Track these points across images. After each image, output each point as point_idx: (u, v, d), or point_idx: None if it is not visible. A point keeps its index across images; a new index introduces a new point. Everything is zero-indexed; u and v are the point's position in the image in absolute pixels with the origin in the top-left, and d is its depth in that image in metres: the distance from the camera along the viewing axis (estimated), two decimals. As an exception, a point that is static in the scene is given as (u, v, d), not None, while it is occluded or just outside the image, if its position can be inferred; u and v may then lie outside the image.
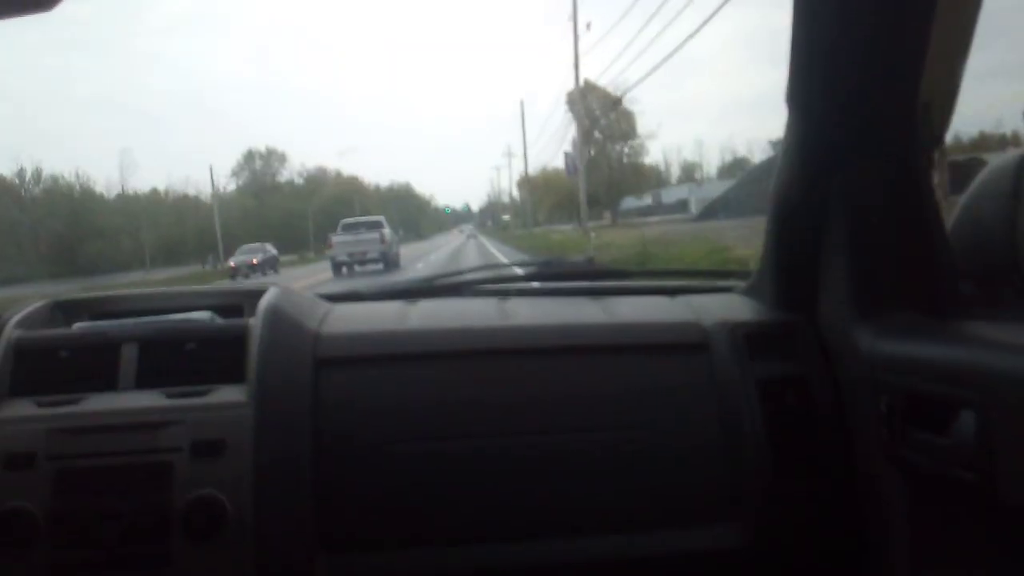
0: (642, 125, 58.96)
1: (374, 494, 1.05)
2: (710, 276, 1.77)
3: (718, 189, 57.74)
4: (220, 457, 0.98)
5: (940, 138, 1.08)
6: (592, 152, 51.71)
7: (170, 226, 51.87)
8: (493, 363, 1.12)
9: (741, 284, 1.35)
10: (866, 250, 1.06)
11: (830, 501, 1.07)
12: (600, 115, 49.92)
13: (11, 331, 1.08)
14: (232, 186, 72.14)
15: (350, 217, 27.46)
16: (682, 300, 1.31)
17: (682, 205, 62.49)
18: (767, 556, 1.07)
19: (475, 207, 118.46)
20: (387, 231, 21.82)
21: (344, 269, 21.00)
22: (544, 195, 61.06)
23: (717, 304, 1.27)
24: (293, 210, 60.59)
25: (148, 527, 0.95)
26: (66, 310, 1.21)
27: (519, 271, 1.62)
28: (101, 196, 54.77)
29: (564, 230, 48.24)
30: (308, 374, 1.07)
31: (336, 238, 21.75)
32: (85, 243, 43.77)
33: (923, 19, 0.94)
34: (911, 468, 0.93)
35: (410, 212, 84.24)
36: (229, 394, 1.03)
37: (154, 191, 61.38)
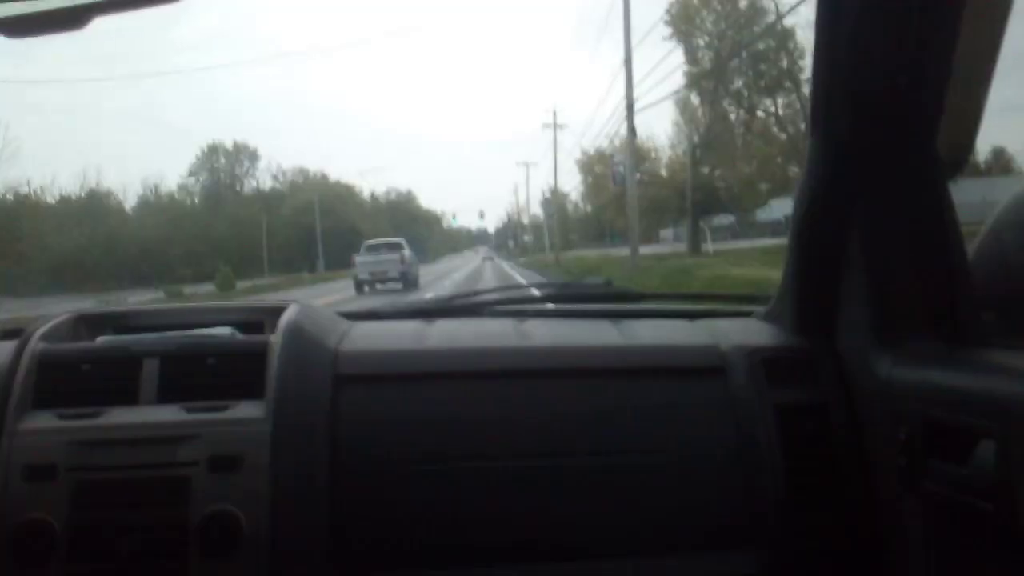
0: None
1: (389, 513, 1.05)
2: (729, 300, 1.70)
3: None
4: (237, 472, 0.99)
5: (961, 166, 1.08)
6: (706, 117, 28.16)
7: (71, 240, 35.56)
8: (510, 384, 1.12)
9: (760, 309, 1.34)
10: (886, 277, 1.06)
11: (847, 529, 1.06)
12: (734, 46, 25.66)
13: (36, 344, 1.08)
14: (189, 187, 56.40)
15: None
16: (701, 324, 1.31)
17: (775, 227, 44.17)
18: None
19: (491, 228, 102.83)
20: (407, 252, 22.79)
21: (366, 287, 21.89)
22: (598, 195, 36.20)
23: (736, 328, 1.27)
24: (247, 220, 44.25)
25: (165, 541, 0.96)
26: (90, 323, 1.21)
27: (537, 293, 1.66)
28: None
29: (661, 254, 29.95)
30: (327, 391, 1.08)
31: (359, 258, 22.82)
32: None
33: (945, 50, 0.95)
34: (929, 497, 0.92)
35: (411, 227, 64.14)
36: (248, 410, 1.03)
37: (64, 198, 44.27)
